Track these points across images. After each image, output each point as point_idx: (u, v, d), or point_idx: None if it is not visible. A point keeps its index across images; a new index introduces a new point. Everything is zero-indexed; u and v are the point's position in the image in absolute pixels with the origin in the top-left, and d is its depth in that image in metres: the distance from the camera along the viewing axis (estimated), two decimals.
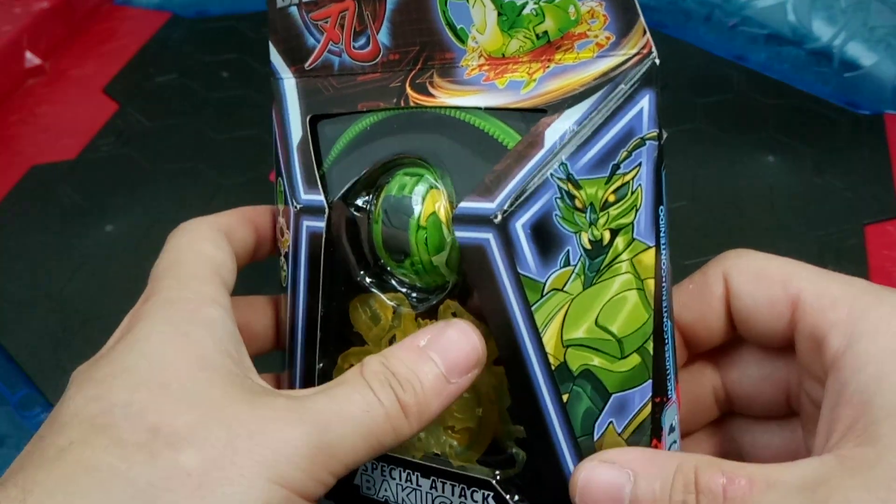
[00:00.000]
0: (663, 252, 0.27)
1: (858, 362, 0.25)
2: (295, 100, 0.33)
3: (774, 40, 0.67)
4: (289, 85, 0.34)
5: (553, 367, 0.27)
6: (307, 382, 0.33)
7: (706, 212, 0.56)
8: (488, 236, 0.27)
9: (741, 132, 0.62)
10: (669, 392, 0.28)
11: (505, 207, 0.27)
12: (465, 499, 0.30)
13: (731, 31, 0.68)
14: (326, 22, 0.32)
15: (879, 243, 0.53)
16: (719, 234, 0.54)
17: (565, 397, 0.27)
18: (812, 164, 0.59)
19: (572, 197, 0.27)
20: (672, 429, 0.28)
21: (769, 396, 0.31)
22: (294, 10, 0.33)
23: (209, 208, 0.58)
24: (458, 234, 0.28)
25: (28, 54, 0.69)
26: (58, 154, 0.63)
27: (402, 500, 0.31)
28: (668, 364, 0.28)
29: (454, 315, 0.30)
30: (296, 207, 0.32)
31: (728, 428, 0.33)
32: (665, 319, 0.28)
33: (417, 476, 0.31)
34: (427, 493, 0.31)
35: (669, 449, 0.28)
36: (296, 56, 0.33)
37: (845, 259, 0.52)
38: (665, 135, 0.27)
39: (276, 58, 0.34)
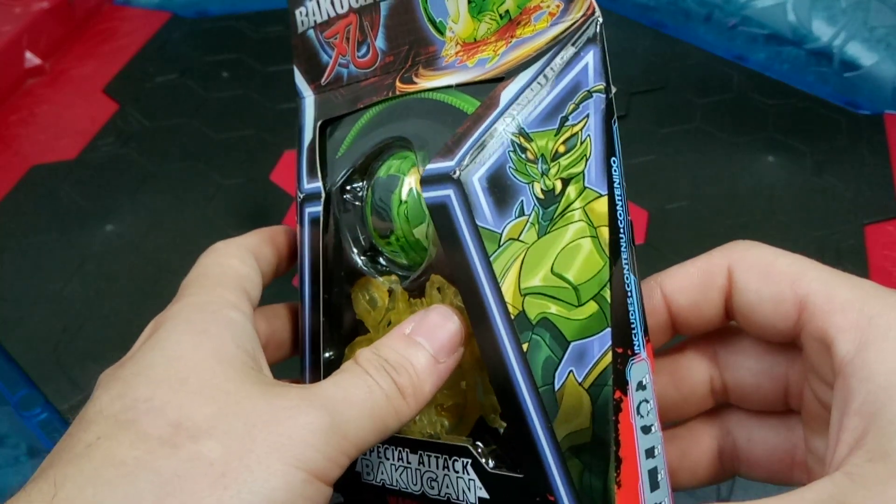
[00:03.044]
0: (619, 203, 0.28)
1: (867, 371, 0.25)
2: (311, 113, 0.35)
3: (774, 40, 0.67)
4: (308, 102, 0.36)
5: (513, 317, 0.28)
6: (314, 372, 0.34)
7: (706, 212, 0.56)
8: (449, 192, 0.28)
9: (741, 132, 0.62)
10: (636, 347, 0.28)
11: (463, 163, 0.28)
12: (448, 470, 0.30)
13: (731, 31, 0.68)
14: (336, 38, 0.34)
15: (879, 243, 0.53)
16: (719, 234, 0.54)
17: (525, 346, 0.28)
18: (812, 164, 0.59)
19: (524, 149, 0.28)
20: (642, 386, 0.28)
21: (767, 391, 0.31)
22: (311, 32, 0.35)
23: (209, 208, 0.58)
24: (426, 194, 0.29)
25: (28, 54, 0.69)
26: (58, 154, 0.63)
27: (396, 480, 0.32)
28: (632, 318, 0.28)
29: (439, 290, 0.31)
30: (300, 197, 0.34)
31: (725, 420, 0.32)
32: (626, 272, 0.28)
33: (407, 453, 0.31)
34: (416, 469, 0.31)
35: (639, 407, 0.28)
36: (314, 74, 0.35)
37: (845, 259, 0.52)
38: (614, 89, 0.28)
39: (299, 79, 0.36)
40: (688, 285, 0.30)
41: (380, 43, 0.33)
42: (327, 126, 0.35)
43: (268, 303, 0.34)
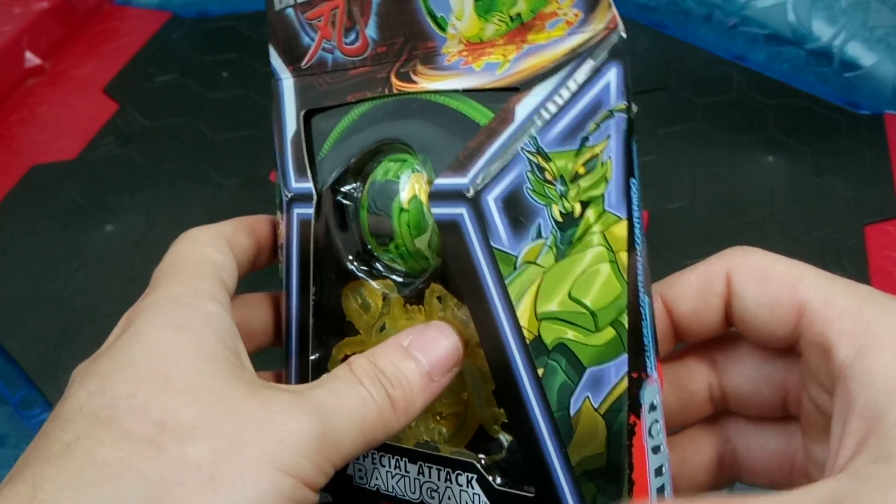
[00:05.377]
0: (636, 225, 0.27)
1: (867, 376, 0.25)
2: (292, 98, 0.34)
3: (774, 40, 0.67)
4: (287, 85, 0.34)
5: (528, 342, 0.27)
6: (301, 373, 0.33)
7: (706, 212, 0.56)
8: (462, 211, 0.27)
9: (741, 132, 0.62)
10: (649, 369, 0.28)
11: (477, 182, 0.27)
12: (451, 483, 0.30)
13: (731, 31, 0.68)
14: (320, 20, 0.33)
15: (879, 243, 0.53)
16: (719, 234, 0.54)
17: (540, 372, 0.27)
18: (812, 164, 0.59)
19: (542, 170, 0.27)
20: (653, 407, 0.28)
21: (766, 398, 0.31)
22: (290, 11, 0.33)
23: (209, 208, 0.58)
24: (435, 210, 0.28)
25: (28, 54, 0.69)
26: (58, 154, 0.63)
27: (392, 487, 0.31)
28: (646, 340, 0.28)
29: (439, 299, 0.30)
30: (287, 196, 0.32)
31: (723, 427, 0.32)
32: (641, 295, 0.27)
33: (405, 462, 0.31)
34: (415, 478, 0.31)
35: (650, 428, 0.28)
36: (293, 56, 0.34)
37: (845, 259, 0.52)
38: (635, 108, 0.27)
39: (275, 59, 0.35)
40: (688, 293, 0.30)
41: (371, 31, 0.31)
42: (310, 116, 0.33)
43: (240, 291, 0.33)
